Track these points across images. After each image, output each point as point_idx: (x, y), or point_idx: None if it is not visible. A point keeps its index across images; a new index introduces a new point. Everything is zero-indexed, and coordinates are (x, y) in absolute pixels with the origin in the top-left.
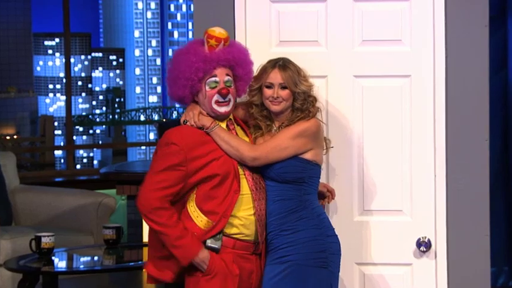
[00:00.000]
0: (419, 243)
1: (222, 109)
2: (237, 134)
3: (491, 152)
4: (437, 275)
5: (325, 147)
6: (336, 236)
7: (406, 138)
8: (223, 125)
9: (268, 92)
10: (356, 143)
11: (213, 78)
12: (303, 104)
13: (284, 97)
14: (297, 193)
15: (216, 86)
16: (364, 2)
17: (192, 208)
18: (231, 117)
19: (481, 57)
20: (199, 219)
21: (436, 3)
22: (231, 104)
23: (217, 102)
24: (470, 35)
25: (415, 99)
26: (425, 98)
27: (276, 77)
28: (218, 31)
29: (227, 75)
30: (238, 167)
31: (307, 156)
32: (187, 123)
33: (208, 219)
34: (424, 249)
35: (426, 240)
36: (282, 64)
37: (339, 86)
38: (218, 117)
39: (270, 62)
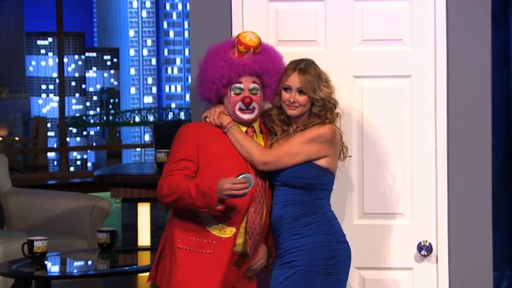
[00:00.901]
0: (420, 247)
1: (245, 116)
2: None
3: (494, 153)
4: (438, 280)
5: (342, 156)
6: (347, 243)
7: (406, 139)
8: (243, 129)
9: (285, 95)
10: (355, 145)
11: (238, 85)
12: (321, 110)
13: (301, 102)
14: (308, 198)
15: (240, 93)
16: (364, 0)
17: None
18: (256, 125)
19: (483, 57)
20: (213, 226)
21: (437, 2)
22: (256, 112)
23: (240, 109)
24: (472, 34)
25: (415, 99)
26: (426, 99)
27: (294, 80)
28: (249, 38)
29: (253, 82)
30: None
31: (321, 162)
32: (207, 119)
33: (223, 224)
34: (425, 253)
35: (427, 244)
36: (302, 67)
37: (338, 86)
38: (241, 123)
39: (292, 63)
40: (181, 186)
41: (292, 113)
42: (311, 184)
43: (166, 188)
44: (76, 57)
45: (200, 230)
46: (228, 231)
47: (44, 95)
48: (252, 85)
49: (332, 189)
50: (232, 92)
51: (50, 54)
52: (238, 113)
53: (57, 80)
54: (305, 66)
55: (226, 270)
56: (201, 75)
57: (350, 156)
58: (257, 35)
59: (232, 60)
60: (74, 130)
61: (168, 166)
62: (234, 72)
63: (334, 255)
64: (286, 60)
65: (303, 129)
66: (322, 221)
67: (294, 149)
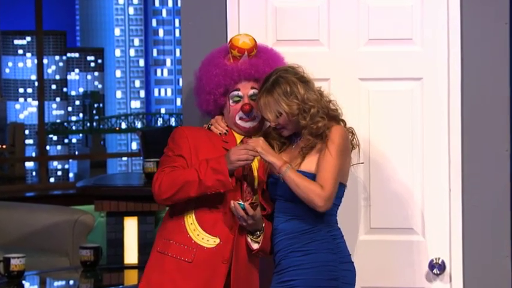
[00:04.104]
0: (432, 265)
1: (247, 124)
2: None
3: None
4: None
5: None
6: (352, 263)
7: (417, 148)
8: (239, 138)
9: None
10: (362, 153)
11: (236, 93)
12: (307, 122)
13: (281, 123)
14: (314, 212)
15: (239, 101)
16: None
17: (191, 224)
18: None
19: (501, 58)
20: (196, 233)
21: None
22: (258, 119)
23: (241, 118)
24: (488, 33)
25: (427, 104)
26: (438, 103)
27: (257, 107)
28: (242, 40)
29: (253, 88)
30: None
31: None
32: (211, 127)
33: (211, 235)
34: (438, 272)
35: (440, 261)
36: (262, 91)
37: (342, 89)
38: (245, 133)
39: (262, 82)
40: (186, 173)
41: (284, 134)
42: None
43: (166, 181)
44: (57, 58)
45: (184, 236)
46: (211, 241)
47: (21, 99)
48: (251, 91)
49: (341, 202)
50: (231, 101)
51: (28, 54)
52: (239, 122)
53: (36, 83)
54: (263, 91)
55: (204, 284)
56: (197, 87)
57: (363, 162)
58: (251, 36)
59: (226, 66)
60: (55, 137)
61: (163, 162)
62: (230, 79)
63: (338, 276)
64: (287, 61)
65: (311, 146)
66: (328, 239)
67: (338, 167)
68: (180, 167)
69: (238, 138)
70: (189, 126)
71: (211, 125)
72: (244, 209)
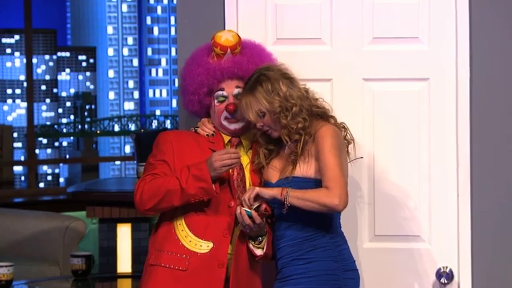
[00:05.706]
0: (439, 274)
1: (232, 126)
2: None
3: None
4: None
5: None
6: (357, 271)
7: (424, 151)
8: (227, 139)
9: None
10: (365, 157)
11: (221, 92)
12: (288, 122)
13: (267, 124)
14: (316, 216)
15: (224, 100)
16: None
17: (181, 231)
18: (245, 140)
19: (510, 57)
20: (188, 240)
21: None
22: (245, 120)
23: (226, 118)
24: (497, 31)
25: (434, 105)
26: (446, 105)
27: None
28: (224, 38)
29: (237, 87)
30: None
31: None
32: (198, 129)
33: (204, 240)
34: (446, 281)
35: (448, 270)
36: (243, 90)
37: (345, 90)
38: (232, 134)
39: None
40: (167, 181)
41: (274, 135)
42: None
43: (147, 190)
44: (47, 57)
45: (175, 245)
46: (204, 246)
47: (9, 101)
48: (236, 90)
49: None
50: (215, 101)
51: (17, 54)
52: (224, 123)
53: (25, 84)
54: (245, 91)
55: None
56: (182, 86)
57: (362, 157)
58: (235, 33)
59: (209, 65)
60: (44, 141)
61: (145, 169)
62: (213, 78)
63: (341, 284)
64: (286, 60)
65: (296, 152)
66: (330, 246)
67: (339, 164)
68: (162, 174)
69: (226, 138)
70: (180, 129)
71: (197, 127)
72: (251, 217)
